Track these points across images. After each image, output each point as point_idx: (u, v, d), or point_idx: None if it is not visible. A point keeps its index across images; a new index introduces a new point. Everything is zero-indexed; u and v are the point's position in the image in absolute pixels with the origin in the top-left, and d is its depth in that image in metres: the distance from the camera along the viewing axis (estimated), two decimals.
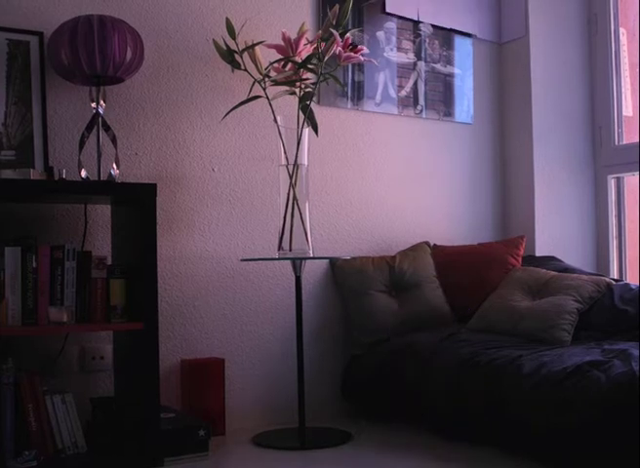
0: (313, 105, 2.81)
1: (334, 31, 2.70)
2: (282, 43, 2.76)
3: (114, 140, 2.54)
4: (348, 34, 2.77)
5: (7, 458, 2.18)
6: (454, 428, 2.57)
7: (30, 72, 2.53)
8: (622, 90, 3.52)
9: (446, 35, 3.46)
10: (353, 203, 3.19)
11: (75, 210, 2.62)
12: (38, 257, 2.31)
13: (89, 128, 2.50)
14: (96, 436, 2.39)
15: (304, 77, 2.78)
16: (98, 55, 2.39)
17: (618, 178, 3.54)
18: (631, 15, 3.48)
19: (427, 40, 3.41)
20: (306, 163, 2.78)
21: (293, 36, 2.76)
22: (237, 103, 2.76)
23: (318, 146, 3.04)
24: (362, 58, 2.78)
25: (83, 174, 2.48)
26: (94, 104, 2.51)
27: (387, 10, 3.17)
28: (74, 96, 2.63)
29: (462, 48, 3.51)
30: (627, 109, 3.54)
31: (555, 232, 3.46)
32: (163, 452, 2.36)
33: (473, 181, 3.52)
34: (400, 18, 3.32)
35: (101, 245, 2.66)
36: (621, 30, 3.54)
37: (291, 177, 2.76)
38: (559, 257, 3.27)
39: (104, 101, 2.51)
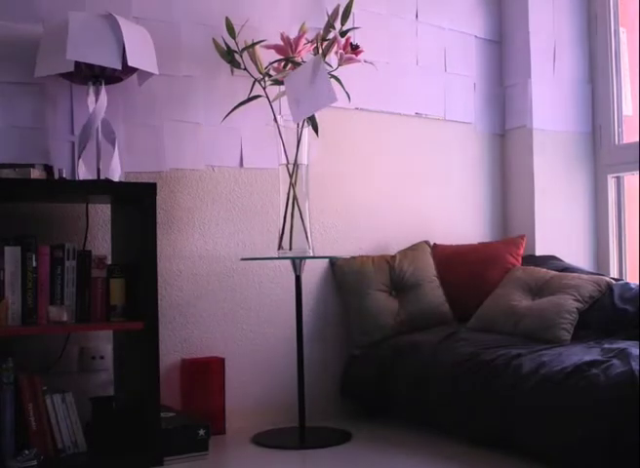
0: None
1: (334, 32, 2.70)
2: (281, 43, 2.76)
3: (114, 140, 2.54)
4: (349, 34, 2.77)
5: (7, 457, 2.18)
6: (453, 427, 2.57)
7: None
8: (622, 89, 3.52)
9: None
10: (353, 202, 3.19)
11: (75, 209, 2.62)
12: (38, 257, 2.31)
13: (88, 127, 2.49)
14: (96, 436, 2.39)
15: None
16: None
17: (617, 178, 3.53)
18: (632, 14, 3.48)
19: None
20: (306, 162, 2.78)
21: (292, 36, 2.76)
22: (237, 103, 2.76)
23: (318, 145, 3.04)
24: (362, 60, 2.77)
25: (83, 173, 2.48)
26: (93, 103, 2.50)
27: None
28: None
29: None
30: (627, 109, 3.53)
31: (555, 232, 3.46)
32: (163, 452, 2.36)
33: (473, 181, 3.52)
34: None
35: (101, 244, 2.66)
36: (622, 29, 3.54)
37: (291, 177, 2.76)
38: (559, 257, 3.27)
39: (104, 101, 2.50)
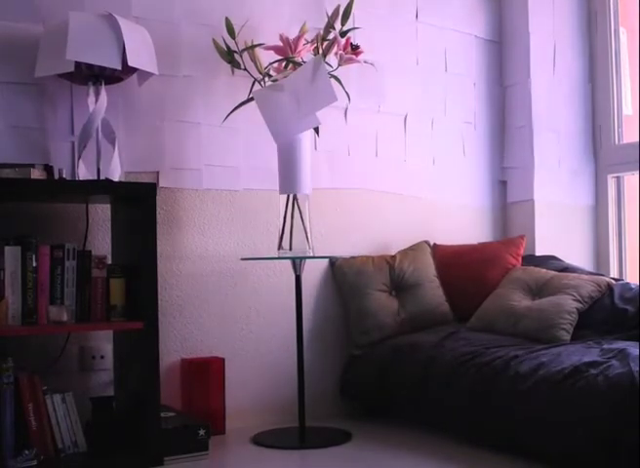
0: None
1: (334, 32, 2.70)
2: (280, 44, 2.76)
3: (114, 140, 2.54)
4: (349, 34, 2.77)
5: (7, 457, 2.18)
6: (453, 428, 2.57)
7: None
8: (622, 89, 3.52)
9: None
10: (353, 202, 3.19)
11: (75, 209, 2.62)
12: (38, 257, 2.31)
13: (88, 127, 2.49)
14: (96, 436, 2.39)
15: None
16: None
17: (617, 178, 3.54)
18: (632, 14, 3.48)
19: None
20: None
21: (293, 36, 2.76)
22: (238, 104, 2.76)
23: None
24: (362, 61, 2.77)
25: (83, 173, 2.48)
26: (93, 103, 2.50)
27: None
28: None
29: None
30: (627, 109, 3.53)
31: (555, 232, 3.46)
32: (163, 452, 2.36)
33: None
34: None
35: (101, 244, 2.66)
36: (622, 29, 3.54)
37: None
38: (559, 257, 3.27)
39: (104, 101, 2.50)
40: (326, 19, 2.83)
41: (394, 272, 3.10)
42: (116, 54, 2.38)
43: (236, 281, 2.93)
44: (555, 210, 3.48)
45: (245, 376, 2.91)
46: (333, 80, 2.69)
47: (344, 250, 3.12)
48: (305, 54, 2.79)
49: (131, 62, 2.40)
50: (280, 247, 2.77)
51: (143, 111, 2.77)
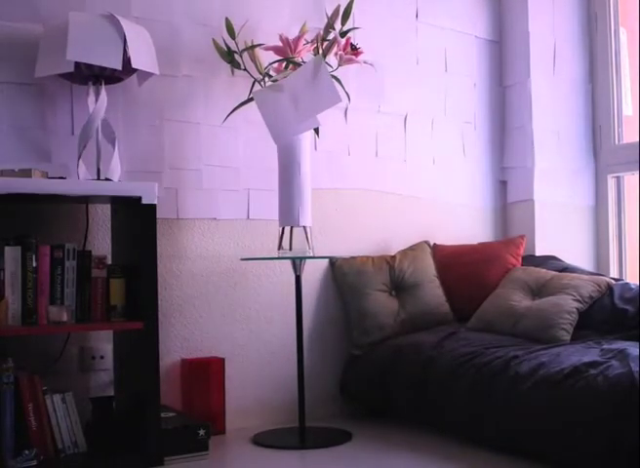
0: None
1: (334, 32, 2.70)
2: (280, 44, 2.76)
3: (114, 140, 2.54)
4: (349, 35, 2.77)
5: (7, 458, 2.18)
6: (453, 428, 2.57)
7: None
8: (622, 89, 3.52)
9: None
10: (353, 202, 3.19)
11: (75, 209, 2.62)
12: (38, 257, 2.31)
13: (88, 127, 2.49)
14: (96, 436, 2.39)
15: None
16: None
17: (617, 178, 3.54)
18: (632, 14, 3.48)
19: None
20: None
21: (292, 36, 2.76)
22: (238, 104, 2.76)
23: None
24: (362, 62, 2.77)
25: (83, 173, 2.48)
26: (93, 103, 2.50)
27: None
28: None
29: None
30: (627, 109, 3.53)
31: (555, 232, 3.46)
32: (163, 452, 2.36)
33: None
34: None
35: (101, 244, 2.66)
36: (622, 29, 3.54)
37: None
38: (559, 257, 3.27)
39: (104, 101, 2.50)
40: (326, 20, 2.83)
41: (394, 272, 3.10)
42: (116, 54, 2.38)
43: (236, 281, 2.93)
44: (555, 210, 3.48)
45: (245, 376, 2.91)
46: (333, 80, 2.70)
47: (344, 250, 3.12)
48: (305, 54, 2.79)
49: (134, 64, 2.40)
50: (280, 247, 2.77)
51: (143, 111, 2.77)
